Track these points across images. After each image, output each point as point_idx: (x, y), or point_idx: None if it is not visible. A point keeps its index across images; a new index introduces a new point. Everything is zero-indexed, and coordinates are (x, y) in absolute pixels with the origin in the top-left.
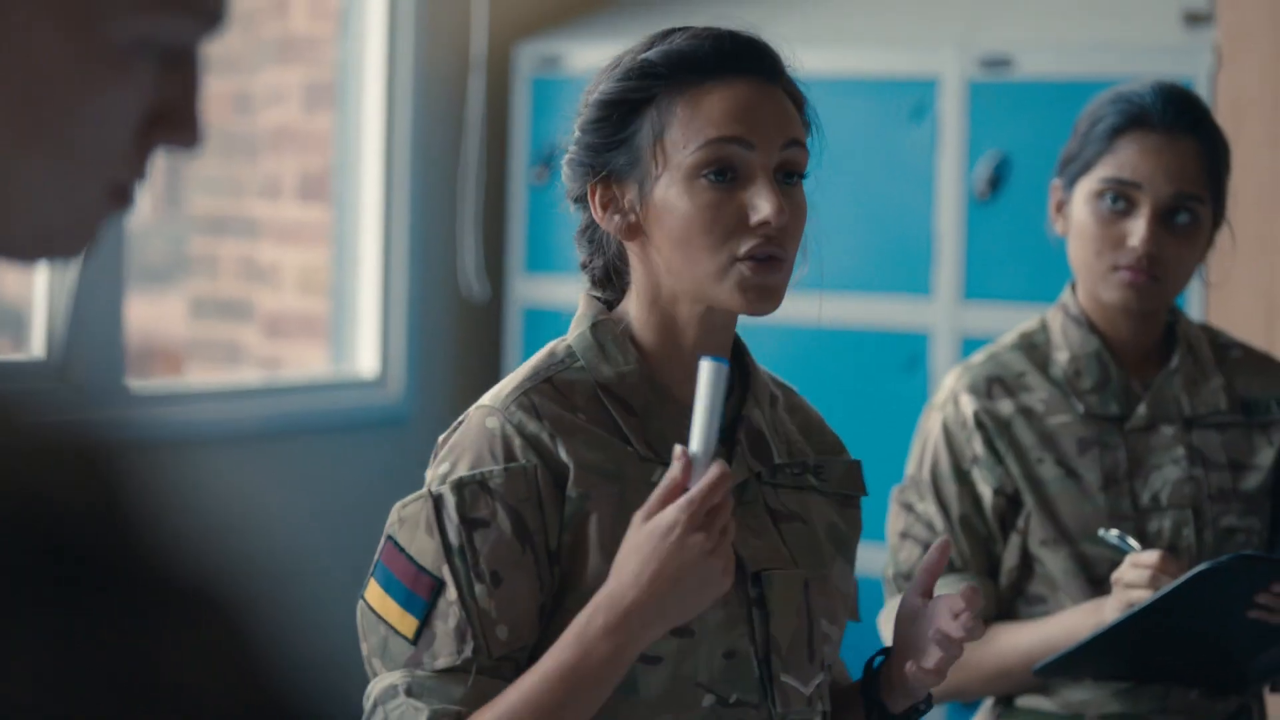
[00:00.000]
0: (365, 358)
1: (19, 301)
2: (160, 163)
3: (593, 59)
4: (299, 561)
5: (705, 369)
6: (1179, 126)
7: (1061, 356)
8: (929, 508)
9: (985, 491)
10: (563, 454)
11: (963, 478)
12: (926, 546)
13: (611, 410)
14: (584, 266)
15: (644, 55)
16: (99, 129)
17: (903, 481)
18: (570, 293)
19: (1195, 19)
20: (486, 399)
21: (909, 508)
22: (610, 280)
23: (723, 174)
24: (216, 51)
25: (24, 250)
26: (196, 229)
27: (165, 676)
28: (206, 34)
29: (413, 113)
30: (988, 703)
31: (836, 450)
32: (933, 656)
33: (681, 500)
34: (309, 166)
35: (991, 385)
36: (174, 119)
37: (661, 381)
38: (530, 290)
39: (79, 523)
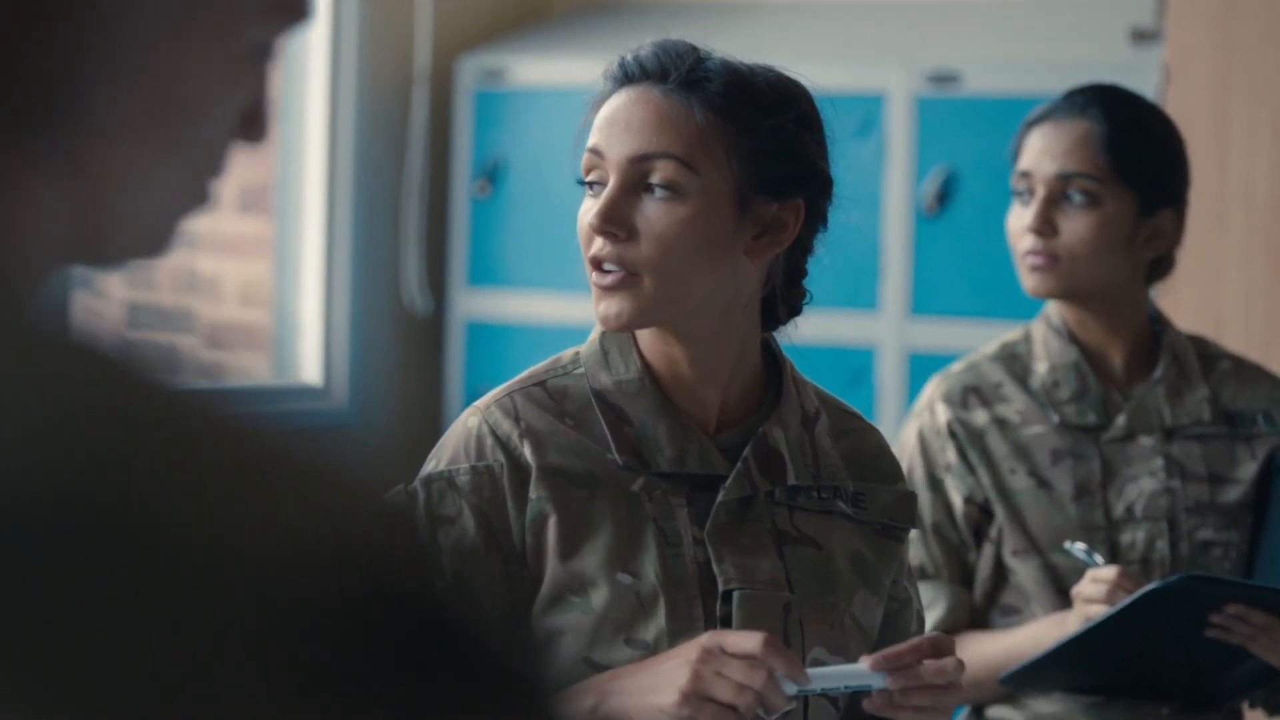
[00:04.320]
0: (307, 370)
1: None
2: None
3: (535, 72)
4: None
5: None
6: (1067, 111)
7: (1041, 367)
8: None
9: (956, 500)
10: (527, 454)
11: (936, 485)
12: None
13: (600, 417)
14: None
15: None
16: (218, 134)
17: None
18: (513, 306)
19: (1143, 36)
20: (481, 399)
21: None
22: None
23: (593, 185)
24: None
25: (127, 255)
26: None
27: None
28: (295, 29)
29: (355, 125)
30: (965, 711)
31: (892, 479)
32: None
33: (734, 634)
34: (248, 179)
35: (967, 395)
36: (254, 116)
37: (666, 392)
38: (473, 303)
39: (414, 584)
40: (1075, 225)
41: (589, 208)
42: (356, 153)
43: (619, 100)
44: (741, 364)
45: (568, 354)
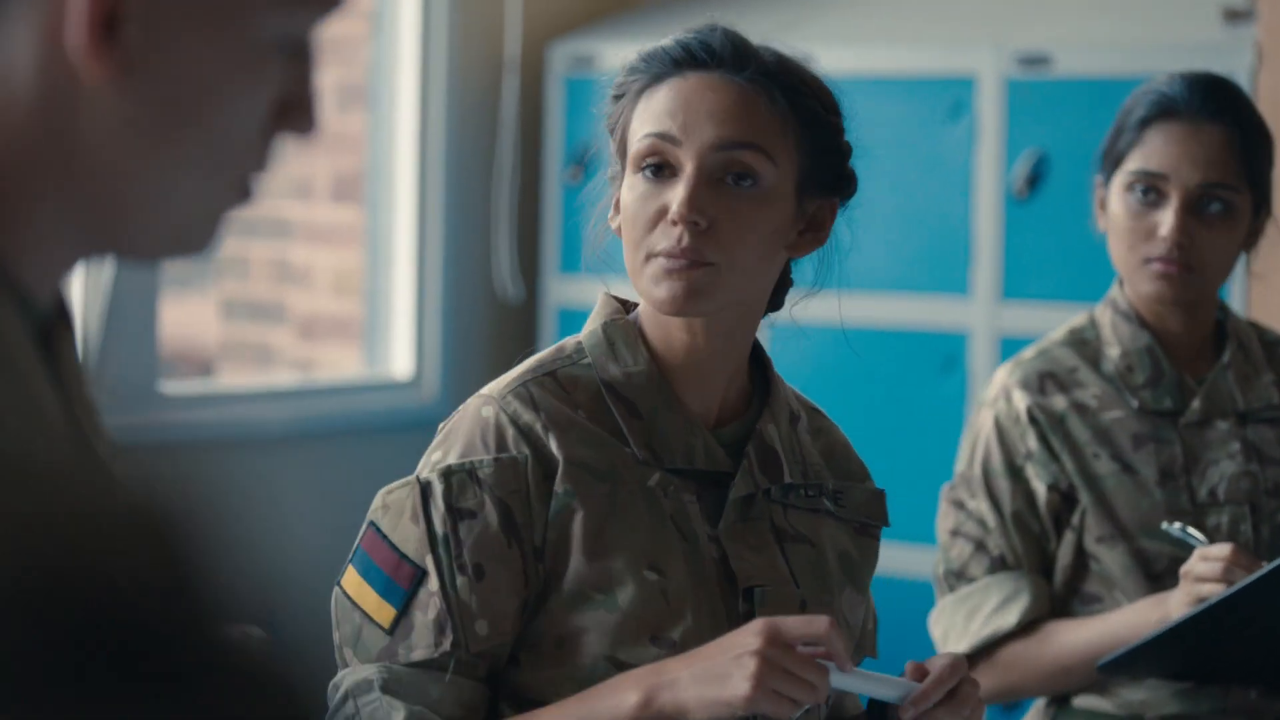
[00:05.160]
0: (399, 359)
1: None
2: None
3: (626, 58)
4: (335, 562)
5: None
6: (1205, 114)
7: (1113, 352)
8: (980, 505)
9: (1039, 488)
10: (554, 447)
11: (1016, 474)
12: (978, 544)
13: (614, 409)
14: None
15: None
16: (237, 126)
17: (952, 479)
18: None
19: (1235, 15)
20: (486, 388)
21: (960, 505)
22: None
23: (658, 170)
24: None
25: (158, 249)
26: (226, 231)
27: None
28: (324, 20)
29: (446, 113)
30: (1039, 703)
31: (860, 477)
32: None
33: (793, 618)
34: (342, 167)
35: (1044, 380)
36: (295, 109)
37: (672, 386)
38: (564, 290)
39: (144, 602)
40: (1213, 236)
41: (646, 192)
42: (448, 141)
43: (691, 86)
44: (743, 359)
45: (570, 343)
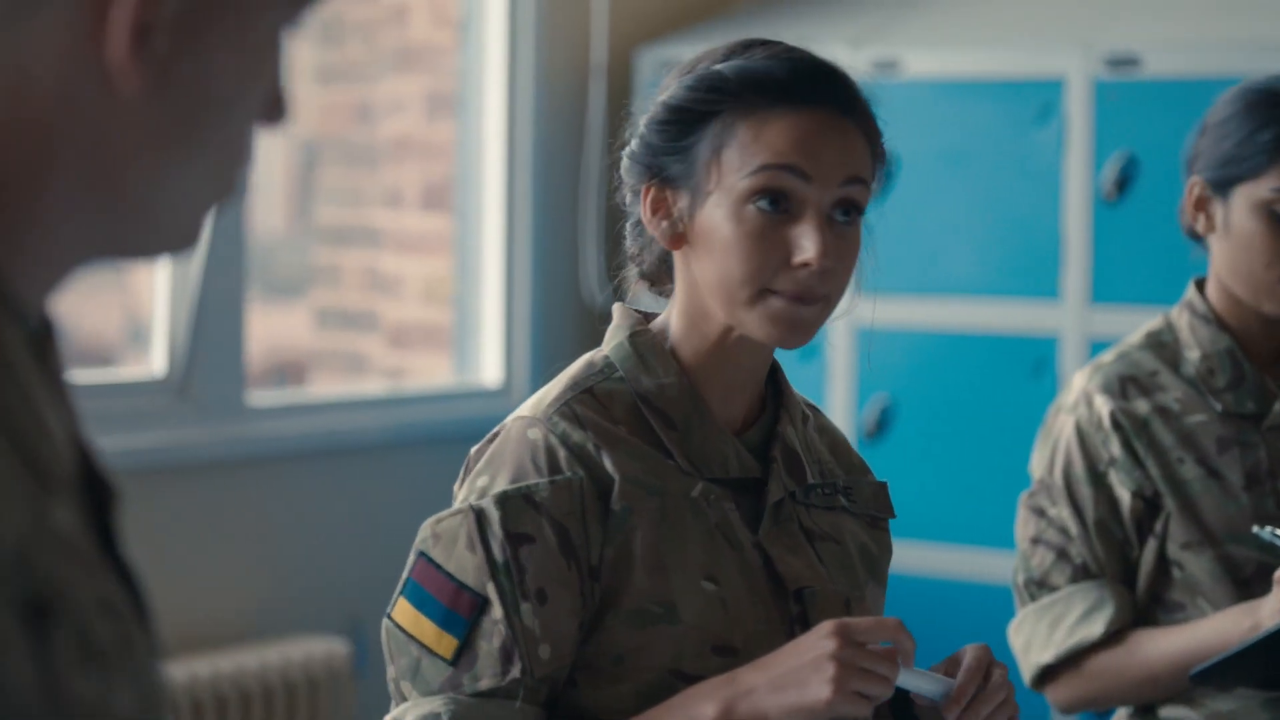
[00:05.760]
0: (489, 367)
1: (142, 317)
2: (291, 174)
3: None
4: None
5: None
6: None
7: (1193, 355)
8: (1062, 512)
9: (1123, 495)
10: (608, 465)
11: (1098, 480)
12: (1060, 552)
13: (652, 423)
14: (633, 258)
15: (717, 67)
16: (243, 125)
17: (1031, 486)
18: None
19: None
20: (525, 410)
21: (1040, 512)
22: (661, 275)
23: (775, 203)
24: (337, 61)
25: (157, 249)
26: (320, 240)
27: None
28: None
29: (534, 120)
30: (1123, 713)
31: (863, 471)
32: None
33: (862, 619)
34: (431, 176)
35: (1126, 385)
36: (274, 98)
37: (701, 395)
38: (652, 297)
39: None
40: None
41: (764, 226)
42: (535, 147)
43: (815, 121)
44: (769, 366)
45: (598, 359)
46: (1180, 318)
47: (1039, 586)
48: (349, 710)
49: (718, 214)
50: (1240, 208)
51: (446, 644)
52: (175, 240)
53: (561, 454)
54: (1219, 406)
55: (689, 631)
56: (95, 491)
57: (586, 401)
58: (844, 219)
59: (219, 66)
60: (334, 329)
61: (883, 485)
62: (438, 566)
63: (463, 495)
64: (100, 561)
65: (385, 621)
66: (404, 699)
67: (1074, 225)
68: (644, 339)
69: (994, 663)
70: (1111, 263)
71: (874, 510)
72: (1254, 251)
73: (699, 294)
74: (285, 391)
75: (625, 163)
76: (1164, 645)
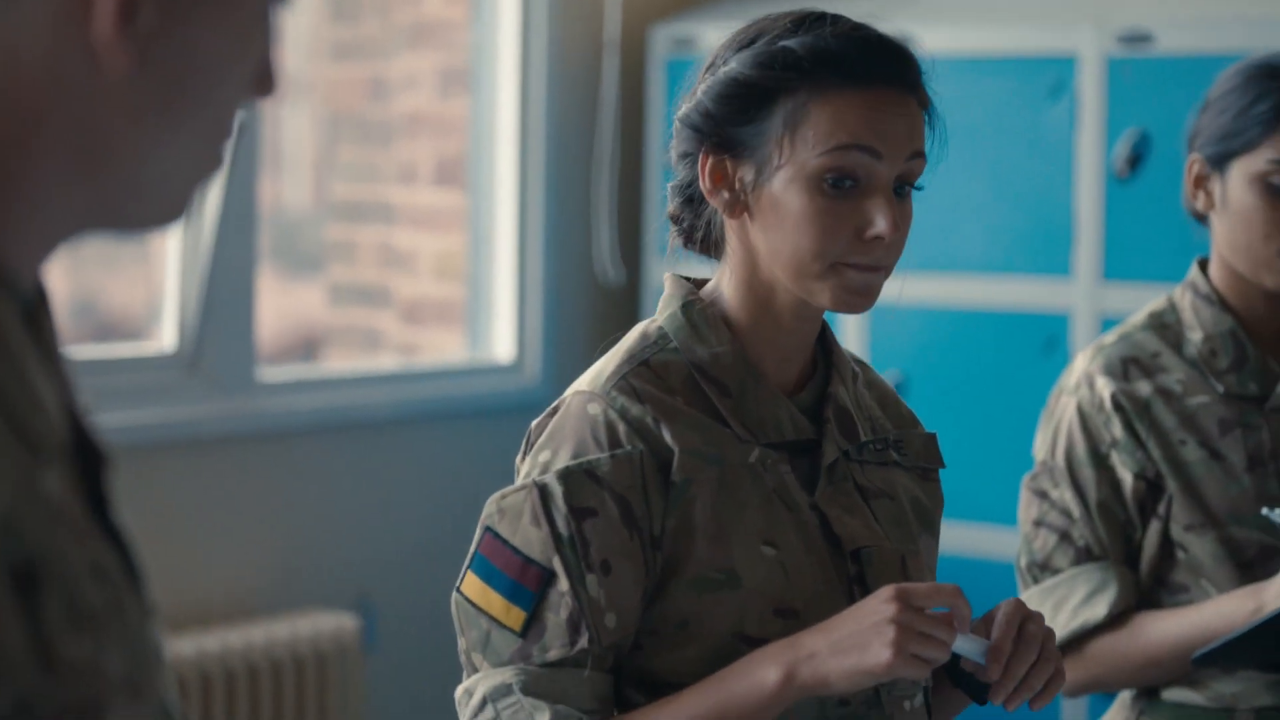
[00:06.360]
0: (501, 343)
1: (152, 295)
2: (313, 151)
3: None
4: (435, 547)
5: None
6: None
7: (1195, 336)
8: (1064, 494)
9: (1125, 476)
10: (667, 438)
11: (1100, 462)
12: (1062, 534)
13: (708, 392)
14: (674, 218)
15: (788, 44)
16: (230, 99)
17: (1033, 468)
18: (707, 274)
19: None
20: (584, 384)
21: (1043, 495)
22: (702, 240)
23: (846, 180)
24: (351, 38)
25: (145, 222)
26: (334, 215)
27: None
28: None
29: (547, 96)
30: (1126, 695)
31: (912, 423)
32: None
33: (920, 584)
34: (444, 152)
35: (1127, 366)
36: (263, 71)
37: (754, 361)
38: (665, 273)
39: None
40: None
41: (833, 202)
42: (549, 124)
43: (884, 100)
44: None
45: (650, 330)
46: (1183, 298)
47: (1042, 569)
48: (358, 685)
49: (789, 190)
50: (1238, 182)
51: (515, 616)
52: (163, 213)
53: (621, 428)
54: (1221, 388)
55: (750, 596)
56: (87, 458)
57: (643, 374)
58: (902, 192)
59: (205, 43)
60: (348, 305)
61: (932, 436)
62: (504, 541)
63: (525, 470)
64: (91, 527)
65: (455, 595)
66: (475, 670)
67: (1086, 202)
68: (697, 308)
69: (1029, 615)
70: (1123, 240)
71: (924, 462)
72: (1252, 225)
73: (756, 261)
74: (296, 367)
75: (678, 126)
76: (1167, 628)
